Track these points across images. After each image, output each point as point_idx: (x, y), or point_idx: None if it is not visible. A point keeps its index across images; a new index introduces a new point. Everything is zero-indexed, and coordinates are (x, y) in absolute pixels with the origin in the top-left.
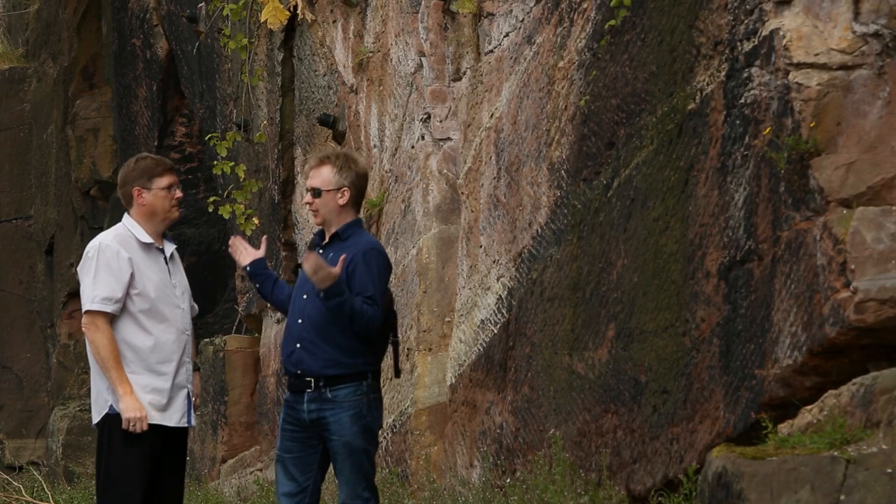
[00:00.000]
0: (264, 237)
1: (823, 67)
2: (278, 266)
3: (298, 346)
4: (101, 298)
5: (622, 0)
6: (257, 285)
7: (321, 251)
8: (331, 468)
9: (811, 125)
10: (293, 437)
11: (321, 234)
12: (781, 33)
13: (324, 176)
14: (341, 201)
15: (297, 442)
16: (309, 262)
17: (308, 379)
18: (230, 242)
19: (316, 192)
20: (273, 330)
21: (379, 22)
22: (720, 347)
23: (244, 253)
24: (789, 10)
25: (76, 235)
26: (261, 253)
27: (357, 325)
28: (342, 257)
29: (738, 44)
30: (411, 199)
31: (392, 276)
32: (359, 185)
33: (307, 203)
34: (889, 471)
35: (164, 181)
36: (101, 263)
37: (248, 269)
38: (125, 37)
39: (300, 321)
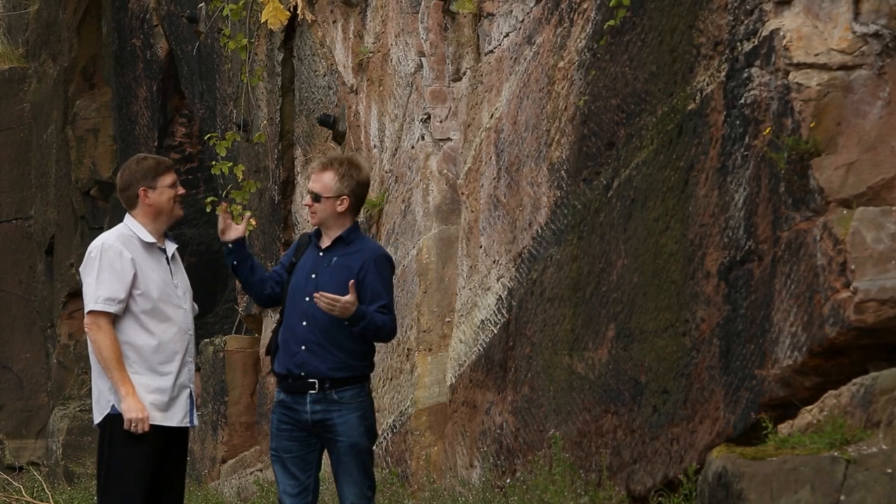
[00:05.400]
0: (248, 214)
1: (823, 67)
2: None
3: (304, 348)
4: (104, 299)
5: (621, 0)
6: (235, 262)
7: (322, 254)
8: (325, 467)
9: (811, 125)
10: (292, 436)
11: (318, 233)
12: (781, 33)
13: (325, 181)
14: (340, 209)
15: (296, 441)
16: (322, 303)
17: (311, 380)
18: (218, 211)
19: (315, 197)
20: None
21: (379, 22)
22: (720, 347)
23: (233, 228)
24: (789, 11)
25: (76, 235)
26: (242, 230)
27: (380, 339)
28: (351, 283)
29: (738, 44)
30: (411, 200)
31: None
32: (359, 193)
33: (307, 205)
34: (889, 471)
35: (168, 179)
36: (104, 264)
37: (231, 245)
38: (125, 37)
39: (305, 323)
